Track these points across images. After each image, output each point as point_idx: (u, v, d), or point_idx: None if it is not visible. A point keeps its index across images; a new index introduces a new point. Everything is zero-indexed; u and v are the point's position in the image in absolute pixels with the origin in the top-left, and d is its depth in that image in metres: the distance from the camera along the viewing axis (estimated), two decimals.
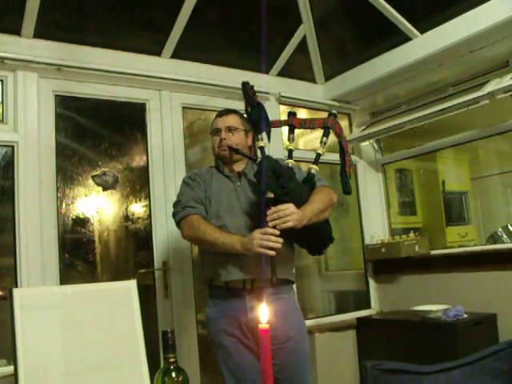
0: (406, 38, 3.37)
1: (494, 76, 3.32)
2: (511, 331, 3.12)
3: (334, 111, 2.66)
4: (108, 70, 3.04)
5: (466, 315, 3.21)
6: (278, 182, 2.22)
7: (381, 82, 3.69)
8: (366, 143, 4.19)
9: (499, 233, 4.01)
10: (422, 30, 3.30)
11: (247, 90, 2.60)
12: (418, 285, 3.79)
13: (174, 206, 2.41)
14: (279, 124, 2.82)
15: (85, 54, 2.99)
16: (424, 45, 3.28)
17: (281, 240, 2.13)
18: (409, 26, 3.29)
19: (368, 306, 4.06)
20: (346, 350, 3.71)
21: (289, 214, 2.13)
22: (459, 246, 4.27)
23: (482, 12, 2.97)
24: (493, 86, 3.20)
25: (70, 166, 2.99)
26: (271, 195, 2.18)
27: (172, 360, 1.24)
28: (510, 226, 3.99)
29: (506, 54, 3.25)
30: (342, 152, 2.61)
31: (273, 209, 2.16)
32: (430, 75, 3.56)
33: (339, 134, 2.62)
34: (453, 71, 3.50)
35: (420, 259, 3.76)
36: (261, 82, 3.52)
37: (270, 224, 2.13)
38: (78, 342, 1.34)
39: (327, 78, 3.97)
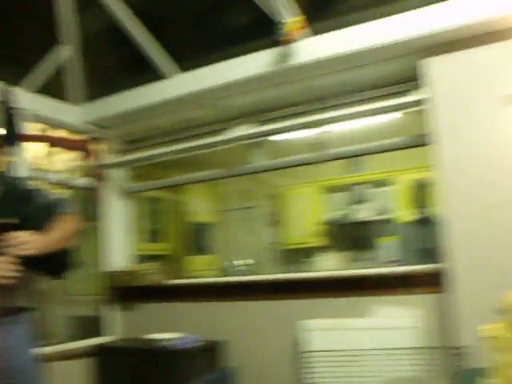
0: (166, 74, 3.51)
1: (240, 122, 3.68)
2: (237, 358, 3.39)
3: (92, 135, 2.63)
4: None
5: (197, 343, 3.34)
6: (17, 206, 2.10)
7: (138, 113, 3.75)
8: (117, 170, 4.18)
9: (228, 265, 4.37)
10: (183, 70, 3.48)
11: (7, 98, 2.40)
12: (159, 313, 3.86)
13: None
14: (32, 139, 2.67)
15: None
16: (182, 84, 3.47)
17: (14, 268, 2.00)
18: (169, 63, 3.45)
19: (108, 333, 4.00)
20: (82, 378, 3.59)
21: (25, 242, 2.02)
22: (197, 277, 4.52)
23: (238, 64, 3.28)
24: (233, 132, 3.63)
25: None
26: (8, 221, 2.05)
27: None
28: (234, 262, 4.39)
29: (251, 104, 3.61)
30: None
31: (8, 235, 2.03)
32: (184, 113, 3.75)
33: (93, 158, 2.60)
34: (204, 113, 3.75)
35: (162, 288, 3.86)
36: (16, 97, 3.29)
37: (5, 251, 2.00)
38: None
39: (86, 101, 3.86)
